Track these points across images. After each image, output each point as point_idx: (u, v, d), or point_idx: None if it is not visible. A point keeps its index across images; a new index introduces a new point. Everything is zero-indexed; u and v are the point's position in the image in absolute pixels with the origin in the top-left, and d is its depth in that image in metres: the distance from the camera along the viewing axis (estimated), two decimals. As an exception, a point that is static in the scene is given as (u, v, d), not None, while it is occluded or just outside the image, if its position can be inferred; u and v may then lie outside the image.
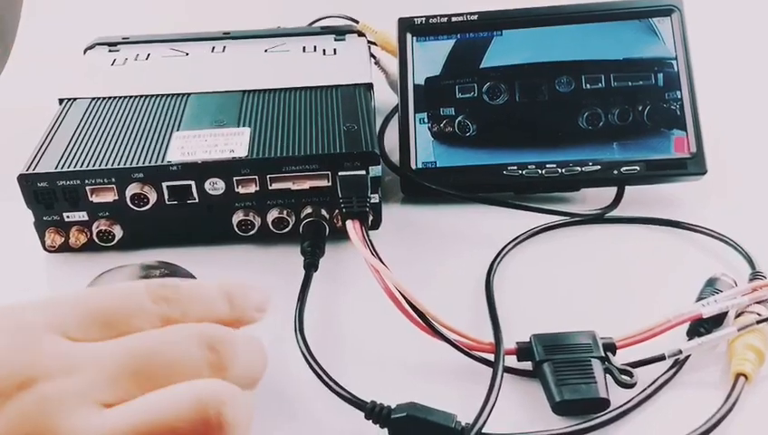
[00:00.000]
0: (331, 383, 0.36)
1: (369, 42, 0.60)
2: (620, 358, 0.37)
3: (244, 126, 0.47)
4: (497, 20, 0.54)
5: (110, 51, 0.58)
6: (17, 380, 0.22)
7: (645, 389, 0.36)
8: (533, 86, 0.52)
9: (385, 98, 0.59)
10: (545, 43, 0.53)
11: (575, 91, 0.52)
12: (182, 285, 0.26)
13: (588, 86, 0.52)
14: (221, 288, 0.27)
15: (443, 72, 0.53)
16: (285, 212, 0.46)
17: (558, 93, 0.52)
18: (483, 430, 0.34)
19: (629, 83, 0.52)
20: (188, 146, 0.45)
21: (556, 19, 0.53)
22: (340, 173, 0.45)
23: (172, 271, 0.34)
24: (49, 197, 0.44)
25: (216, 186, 0.45)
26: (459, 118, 0.52)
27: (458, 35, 0.54)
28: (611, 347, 0.38)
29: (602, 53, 0.52)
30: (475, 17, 0.54)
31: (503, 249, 0.46)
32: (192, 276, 0.36)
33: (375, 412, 0.34)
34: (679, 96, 0.51)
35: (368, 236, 0.42)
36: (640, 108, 0.51)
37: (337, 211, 0.46)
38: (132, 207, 0.45)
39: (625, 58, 0.52)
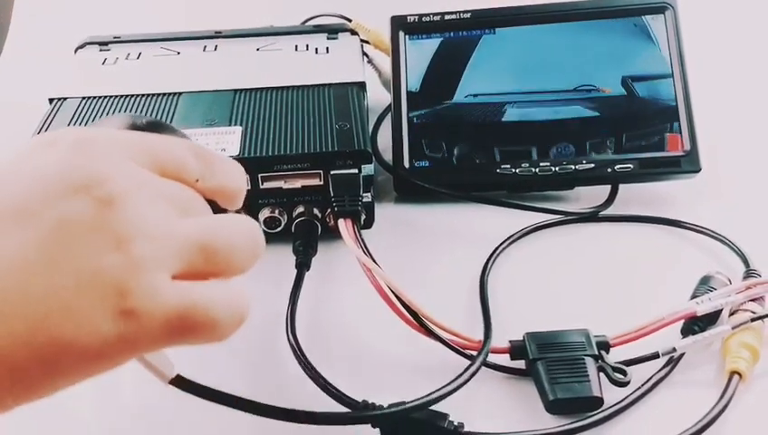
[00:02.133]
0: (322, 383, 0.35)
1: (361, 40, 0.60)
2: (614, 356, 0.37)
3: (235, 125, 0.47)
4: (490, 18, 0.53)
5: (100, 50, 0.58)
6: (93, 181, 0.23)
7: (639, 387, 0.36)
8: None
9: (378, 97, 0.58)
10: (538, 41, 0.53)
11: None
12: (215, 153, 0.29)
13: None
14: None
15: (425, 81, 0.53)
16: (277, 211, 0.46)
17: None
18: (478, 429, 0.34)
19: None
20: (179, 145, 0.45)
21: (549, 17, 0.53)
22: (332, 172, 0.45)
23: (158, 122, 0.34)
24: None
25: (207, 185, 0.45)
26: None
27: (451, 33, 0.54)
28: (605, 345, 0.37)
29: (593, 51, 0.52)
30: (468, 15, 0.54)
31: (497, 248, 0.46)
32: (181, 132, 0.35)
33: (367, 412, 0.34)
34: (673, 94, 0.51)
35: (360, 234, 0.42)
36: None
37: (329, 210, 0.46)
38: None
39: (615, 55, 0.52)
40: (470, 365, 0.36)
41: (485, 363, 0.38)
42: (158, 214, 0.23)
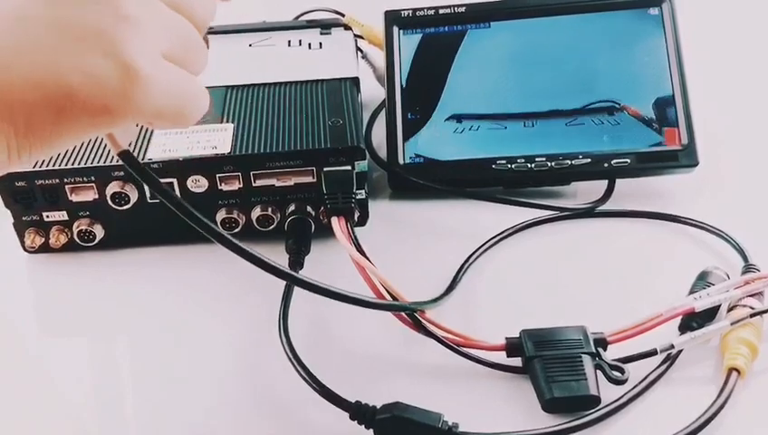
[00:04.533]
0: (315, 384, 0.35)
1: (355, 35, 0.59)
2: (611, 353, 0.37)
3: (227, 122, 0.46)
4: (485, 11, 0.53)
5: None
6: None
7: (636, 385, 0.36)
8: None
9: (373, 92, 0.58)
10: (534, 34, 0.52)
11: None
12: None
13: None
14: None
15: (410, 79, 0.52)
16: (270, 209, 0.45)
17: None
18: (473, 429, 0.33)
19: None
20: (170, 143, 0.44)
21: (545, 10, 0.53)
22: (325, 169, 0.44)
23: None
24: (28, 196, 0.44)
25: (198, 183, 0.44)
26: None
27: (446, 27, 0.53)
28: (602, 342, 0.37)
29: (590, 45, 0.52)
30: (463, 9, 0.53)
31: (488, 241, 0.46)
32: None
33: (360, 413, 0.34)
34: (670, 87, 0.50)
35: (353, 232, 0.41)
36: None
37: (322, 208, 0.45)
38: (113, 205, 0.44)
39: (612, 49, 0.51)
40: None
41: (479, 361, 0.37)
42: None
